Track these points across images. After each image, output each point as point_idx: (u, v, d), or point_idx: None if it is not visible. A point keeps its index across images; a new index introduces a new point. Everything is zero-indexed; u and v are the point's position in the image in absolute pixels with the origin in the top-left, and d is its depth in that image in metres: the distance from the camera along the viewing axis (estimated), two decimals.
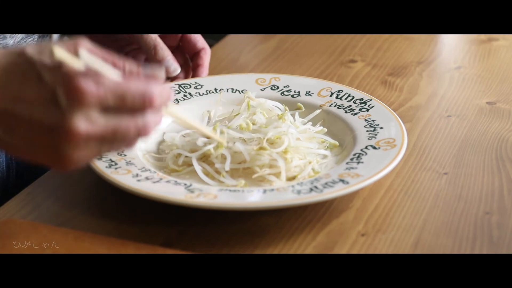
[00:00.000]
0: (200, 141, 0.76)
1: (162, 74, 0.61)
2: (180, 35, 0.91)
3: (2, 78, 0.57)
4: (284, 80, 0.91)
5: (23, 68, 0.57)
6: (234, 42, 1.16)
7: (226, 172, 0.74)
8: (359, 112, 0.83)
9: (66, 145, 0.56)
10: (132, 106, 0.58)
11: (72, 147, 0.56)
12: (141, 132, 0.59)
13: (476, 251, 0.66)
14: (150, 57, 0.87)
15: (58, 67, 0.56)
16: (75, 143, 0.56)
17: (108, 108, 0.57)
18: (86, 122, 0.56)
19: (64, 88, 0.55)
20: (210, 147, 0.75)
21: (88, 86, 0.55)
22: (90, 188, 0.76)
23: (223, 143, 0.74)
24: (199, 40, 0.91)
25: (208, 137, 0.75)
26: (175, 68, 0.88)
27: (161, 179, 0.71)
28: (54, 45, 0.57)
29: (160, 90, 0.59)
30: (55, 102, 0.55)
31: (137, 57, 0.92)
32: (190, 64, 0.94)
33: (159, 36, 0.86)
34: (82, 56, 0.57)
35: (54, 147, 0.57)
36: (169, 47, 0.89)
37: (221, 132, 0.76)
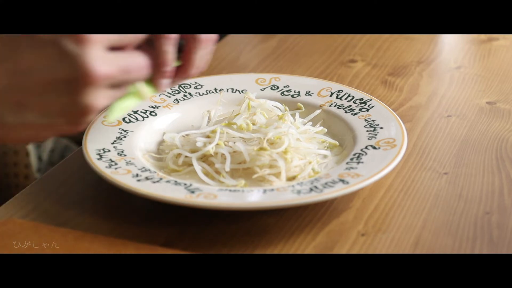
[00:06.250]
0: (200, 141, 0.76)
1: None
2: None
3: None
4: (284, 80, 0.91)
5: (11, 40, 0.54)
6: (234, 42, 1.16)
7: (226, 172, 0.74)
8: (359, 112, 0.83)
9: (88, 91, 0.54)
10: (130, 37, 0.56)
11: (92, 93, 0.54)
12: (142, 73, 0.58)
13: (476, 251, 0.66)
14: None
15: None
16: (96, 86, 0.54)
17: (113, 46, 0.55)
18: (101, 62, 0.54)
19: (70, 36, 0.53)
20: (210, 147, 0.75)
21: None
22: (90, 188, 0.76)
23: None
24: None
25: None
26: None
27: (161, 179, 0.71)
28: None
29: None
30: (61, 55, 0.53)
31: None
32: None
33: None
34: None
35: (71, 103, 0.54)
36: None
37: (221, 132, 0.76)
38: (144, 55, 0.58)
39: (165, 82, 0.69)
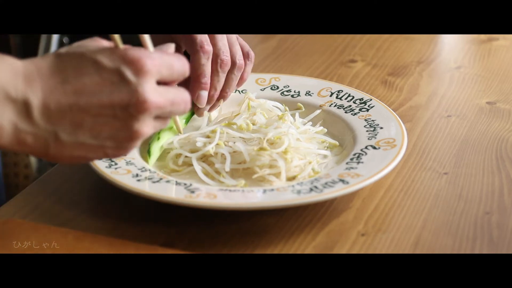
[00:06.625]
0: (200, 141, 0.76)
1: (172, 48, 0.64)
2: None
3: (56, 77, 0.58)
4: (284, 80, 0.91)
5: (73, 63, 0.58)
6: None
7: (226, 172, 0.74)
8: (359, 112, 0.83)
9: (139, 117, 0.58)
10: (177, 75, 0.61)
11: (142, 120, 0.59)
12: (186, 107, 0.62)
13: (476, 251, 0.66)
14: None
15: (115, 50, 0.58)
16: (147, 114, 0.59)
17: (162, 81, 0.60)
18: (154, 92, 0.59)
19: (130, 65, 0.58)
20: (210, 147, 0.75)
21: (148, 59, 0.58)
22: (90, 188, 0.76)
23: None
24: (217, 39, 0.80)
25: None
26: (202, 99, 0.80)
27: (161, 179, 0.71)
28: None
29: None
30: (122, 81, 0.58)
31: None
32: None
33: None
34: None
35: (123, 128, 0.59)
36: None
37: (221, 132, 0.77)
38: (187, 91, 0.63)
39: (203, 94, 0.79)
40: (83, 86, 0.58)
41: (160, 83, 0.60)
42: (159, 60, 0.60)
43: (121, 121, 0.59)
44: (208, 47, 0.78)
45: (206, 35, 0.79)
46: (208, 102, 0.81)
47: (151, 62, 0.58)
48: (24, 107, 0.57)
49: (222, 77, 0.80)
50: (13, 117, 0.57)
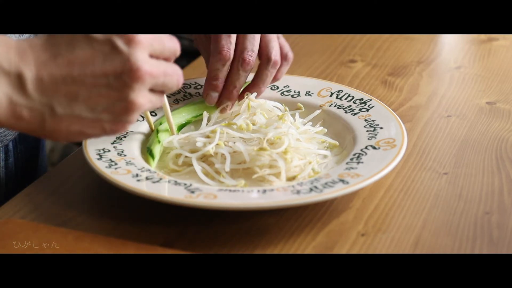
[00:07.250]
0: (200, 141, 0.76)
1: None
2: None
3: (48, 51, 0.58)
4: (284, 80, 0.91)
5: (66, 38, 0.59)
6: None
7: (226, 172, 0.74)
8: (359, 112, 0.83)
9: (134, 86, 0.59)
10: (169, 52, 0.63)
11: (137, 89, 0.59)
12: (179, 80, 0.63)
13: (476, 251, 0.66)
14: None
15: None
16: (141, 82, 0.59)
17: (154, 55, 0.61)
18: (146, 62, 0.60)
19: (122, 35, 0.59)
20: (210, 147, 0.75)
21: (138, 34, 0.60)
22: (90, 188, 0.76)
23: None
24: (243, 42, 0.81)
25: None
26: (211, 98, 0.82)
27: (161, 179, 0.71)
28: None
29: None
30: (114, 51, 0.58)
31: None
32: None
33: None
34: None
35: (118, 98, 0.59)
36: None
37: (221, 132, 0.77)
38: (178, 66, 0.64)
39: (213, 94, 0.81)
40: (76, 58, 0.58)
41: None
42: (150, 35, 0.61)
43: (116, 91, 0.59)
44: (227, 53, 0.79)
45: (233, 40, 0.80)
46: (228, 98, 0.82)
47: (142, 35, 0.60)
48: (18, 80, 0.57)
49: (243, 76, 0.81)
50: (8, 90, 0.57)
